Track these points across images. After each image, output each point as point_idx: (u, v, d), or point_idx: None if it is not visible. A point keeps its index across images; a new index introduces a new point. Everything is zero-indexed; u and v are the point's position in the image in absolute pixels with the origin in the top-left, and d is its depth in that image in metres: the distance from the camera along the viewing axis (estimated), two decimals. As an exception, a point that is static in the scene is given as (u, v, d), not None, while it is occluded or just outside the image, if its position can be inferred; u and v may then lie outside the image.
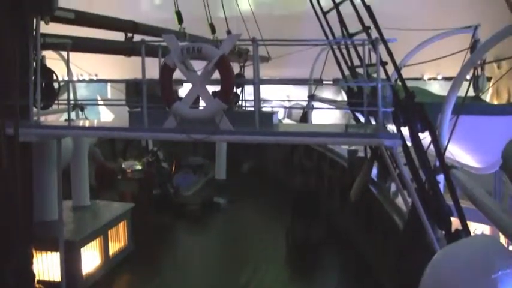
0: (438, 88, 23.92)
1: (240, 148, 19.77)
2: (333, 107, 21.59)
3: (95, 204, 13.71)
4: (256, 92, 8.16)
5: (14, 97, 8.73)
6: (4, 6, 8.77)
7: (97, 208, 13.53)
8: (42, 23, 9.00)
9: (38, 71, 9.01)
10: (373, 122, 8.85)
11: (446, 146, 8.89)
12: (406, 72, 10.94)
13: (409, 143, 8.33)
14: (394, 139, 7.74)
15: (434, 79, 25.44)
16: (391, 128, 8.50)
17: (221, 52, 7.95)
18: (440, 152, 8.19)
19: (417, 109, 8.08)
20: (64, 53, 12.53)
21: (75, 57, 10.31)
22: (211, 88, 8.27)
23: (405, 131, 8.11)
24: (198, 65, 8.27)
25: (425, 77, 25.05)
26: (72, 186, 13.33)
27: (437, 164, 8.20)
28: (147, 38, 10.04)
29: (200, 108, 8.38)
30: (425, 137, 8.12)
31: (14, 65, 8.77)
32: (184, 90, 9.01)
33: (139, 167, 17.20)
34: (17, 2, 8.76)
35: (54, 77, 9.52)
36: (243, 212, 17.81)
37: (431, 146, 8.14)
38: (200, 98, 8.25)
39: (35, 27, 8.98)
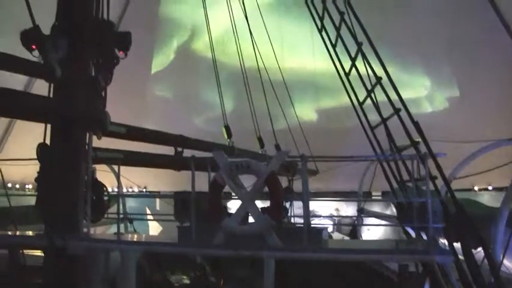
0: (490, 199, 23.40)
1: (289, 261, 19.43)
2: (383, 222, 21.25)
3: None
4: (306, 209, 8.12)
5: (65, 209, 8.88)
6: (58, 122, 9.07)
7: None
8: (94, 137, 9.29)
9: (89, 185, 9.18)
10: (424, 236, 8.67)
11: (502, 262, 8.60)
12: (455, 183, 10.82)
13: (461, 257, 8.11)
14: (446, 255, 7.54)
15: (485, 189, 24.93)
16: (443, 241, 8.32)
17: (270, 169, 8.00)
18: (494, 268, 7.92)
19: (469, 224, 7.91)
20: (115, 166, 12.79)
21: (126, 169, 10.51)
22: (259, 203, 8.29)
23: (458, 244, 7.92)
24: (247, 178, 8.34)
25: (476, 188, 24.57)
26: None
27: (492, 280, 7.92)
28: (196, 152, 10.24)
29: (249, 222, 8.38)
30: (478, 251, 7.90)
31: (64, 178, 8.98)
32: (233, 203, 9.06)
33: (186, 281, 16.98)
34: (71, 118, 9.04)
35: (105, 191, 9.67)
36: None
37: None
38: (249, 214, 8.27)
39: (87, 142, 9.24)
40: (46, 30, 8.69)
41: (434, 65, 24.11)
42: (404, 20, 23.80)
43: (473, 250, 7.94)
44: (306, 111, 26.13)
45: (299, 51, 25.73)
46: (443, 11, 22.50)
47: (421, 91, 24.69)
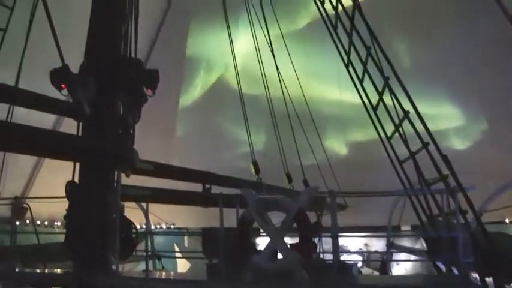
0: (521, 231, 23.03)
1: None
2: (413, 256, 20.95)
3: None
4: (335, 245, 8.04)
5: (93, 246, 8.91)
6: (87, 160, 9.15)
7: None
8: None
9: (118, 222, 9.20)
10: (455, 271, 8.52)
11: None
12: (486, 216, 10.64)
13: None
14: (478, 291, 7.41)
15: (517, 222, 24.55)
16: (475, 276, 8.17)
17: (298, 205, 7.96)
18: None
19: (501, 258, 7.76)
20: (143, 203, 12.83)
21: (154, 206, 10.54)
22: (288, 239, 8.23)
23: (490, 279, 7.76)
24: (275, 214, 8.30)
25: (507, 220, 24.19)
26: None
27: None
28: (224, 188, 10.25)
29: (278, 259, 8.32)
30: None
31: (93, 216, 9.03)
32: (261, 239, 9.01)
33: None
34: (100, 157, 9.11)
35: (133, 228, 9.68)
36: None
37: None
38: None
39: (115, 179, 9.30)
40: (74, 69, 8.84)
41: (463, 97, 23.98)
42: (433, 52, 23.79)
43: (506, 285, 7.77)
44: (333, 144, 26.13)
45: (324, 82, 25.90)
46: (472, 44, 22.45)
47: (449, 123, 24.52)
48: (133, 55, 9.61)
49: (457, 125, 24.65)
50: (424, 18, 24.18)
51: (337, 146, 26.87)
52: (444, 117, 24.35)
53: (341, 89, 24.10)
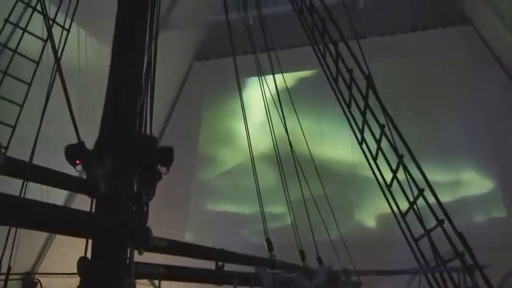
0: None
1: None
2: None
3: None
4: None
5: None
6: (100, 236, 9.11)
7: None
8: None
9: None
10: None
11: None
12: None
13: None
14: None
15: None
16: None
17: (314, 285, 7.89)
18: None
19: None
20: (155, 281, 12.70)
21: (166, 283, 10.43)
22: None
23: None
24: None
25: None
26: None
27: None
28: (236, 266, 10.16)
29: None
30: None
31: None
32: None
33: None
34: (113, 234, 9.08)
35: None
36: None
37: None
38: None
39: (128, 256, 9.21)
40: (89, 145, 8.93)
41: (484, 165, 24.08)
42: (449, 125, 24.10)
43: None
44: (347, 221, 25.97)
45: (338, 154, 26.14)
46: (490, 109, 22.84)
47: (469, 192, 24.45)
48: (148, 132, 9.69)
49: (478, 195, 24.55)
50: (434, 89, 24.72)
51: (351, 222, 26.73)
52: (464, 186, 24.32)
53: (354, 158, 24.33)
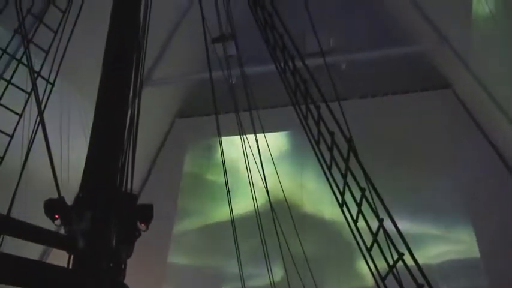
0: None
1: None
2: None
3: None
4: None
5: None
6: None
7: None
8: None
9: None
10: None
11: None
12: None
13: None
14: None
15: None
16: None
17: None
18: None
19: None
20: None
21: None
22: None
23: None
24: None
25: None
26: None
27: None
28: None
29: None
30: None
31: None
32: None
33: None
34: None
35: None
36: None
37: None
38: None
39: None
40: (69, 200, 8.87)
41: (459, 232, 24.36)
42: (430, 185, 24.49)
43: None
44: (328, 280, 25.84)
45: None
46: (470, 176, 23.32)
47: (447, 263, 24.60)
48: (128, 188, 9.67)
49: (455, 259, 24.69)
50: (417, 150, 25.13)
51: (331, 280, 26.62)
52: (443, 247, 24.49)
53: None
